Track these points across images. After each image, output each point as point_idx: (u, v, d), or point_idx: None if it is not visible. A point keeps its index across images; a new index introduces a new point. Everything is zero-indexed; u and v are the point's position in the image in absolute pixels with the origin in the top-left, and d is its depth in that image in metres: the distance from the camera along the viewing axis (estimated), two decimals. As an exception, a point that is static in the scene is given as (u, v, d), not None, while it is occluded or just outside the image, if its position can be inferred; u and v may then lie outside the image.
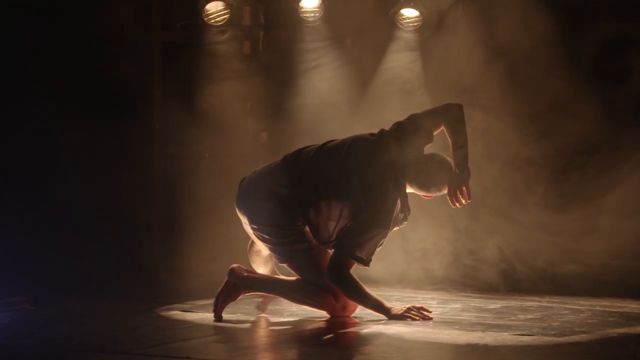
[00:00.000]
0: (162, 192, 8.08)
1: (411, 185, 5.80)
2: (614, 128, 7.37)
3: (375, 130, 5.89)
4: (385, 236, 5.72)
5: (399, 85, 7.85)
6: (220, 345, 5.30)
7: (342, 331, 5.57)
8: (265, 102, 8.14)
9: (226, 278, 5.87)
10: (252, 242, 6.10)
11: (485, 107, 7.44)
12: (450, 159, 5.77)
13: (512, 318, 5.84)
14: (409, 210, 5.83)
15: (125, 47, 7.80)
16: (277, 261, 5.97)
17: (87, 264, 7.13)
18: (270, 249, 5.89)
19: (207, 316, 5.89)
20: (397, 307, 5.78)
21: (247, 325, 5.77)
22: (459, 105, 5.81)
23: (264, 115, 8.20)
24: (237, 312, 6.02)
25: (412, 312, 5.76)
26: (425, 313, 5.78)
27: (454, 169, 5.74)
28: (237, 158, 8.00)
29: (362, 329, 5.53)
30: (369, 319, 5.74)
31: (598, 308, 6.26)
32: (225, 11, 7.87)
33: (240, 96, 8.08)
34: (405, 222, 5.86)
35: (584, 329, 5.46)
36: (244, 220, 5.95)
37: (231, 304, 5.89)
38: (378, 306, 5.76)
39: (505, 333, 5.32)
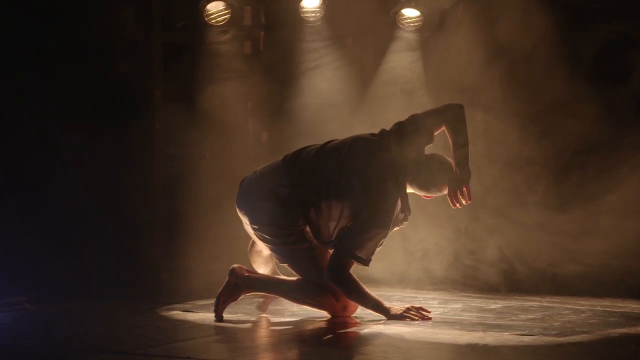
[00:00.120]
0: (162, 192, 8.08)
1: (411, 186, 5.80)
2: (614, 128, 7.37)
3: (376, 130, 5.89)
4: (385, 236, 5.72)
5: (399, 85, 7.85)
6: (221, 345, 5.30)
7: (342, 331, 5.57)
8: (266, 102, 8.15)
9: (227, 278, 5.87)
10: (253, 242, 6.10)
11: (486, 107, 7.45)
12: (450, 159, 5.77)
13: (513, 318, 5.84)
14: (409, 211, 5.83)
15: (125, 47, 7.80)
16: (277, 261, 5.97)
17: (88, 264, 7.13)
18: (271, 249, 5.89)
19: (208, 316, 5.89)
20: (396, 307, 5.78)
21: (248, 325, 5.77)
22: (459, 106, 5.82)
23: (264, 115, 8.20)
24: (238, 312, 6.02)
25: (411, 312, 5.76)
26: (424, 313, 5.78)
27: (454, 169, 5.74)
28: (238, 158, 8.00)
29: (363, 329, 5.53)
30: (369, 319, 5.74)
31: (599, 308, 6.26)
32: (226, 11, 7.87)
33: (241, 96, 8.09)
34: (405, 222, 5.86)
35: (584, 329, 5.46)
36: (245, 221, 5.95)
37: (232, 304, 5.89)
38: (377, 306, 5.76)
39: (506, 333, 5.32)
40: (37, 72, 7.25)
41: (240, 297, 5.90)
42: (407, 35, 7.86)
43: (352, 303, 5.79)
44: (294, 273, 5.89)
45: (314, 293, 5.80)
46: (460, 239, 7.50)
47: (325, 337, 5.44)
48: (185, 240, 7.66)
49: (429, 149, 5.86)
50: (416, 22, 7.80)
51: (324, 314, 5.85)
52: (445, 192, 5.78)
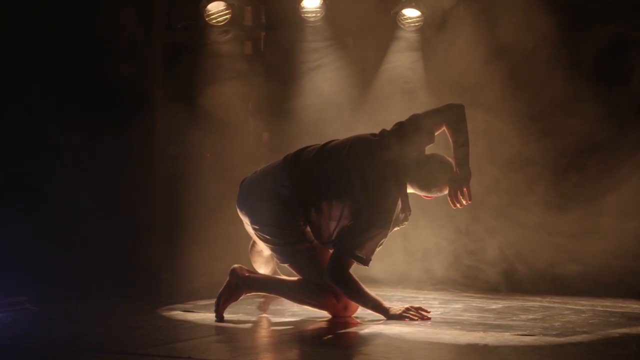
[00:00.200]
0: (163, 192, 8.08)
1: (412, 186, 5.80)
2: (614, 128, 7.37)
3: (377, 130, 5.90)
4: (385, 236, 5.72)
5: (400, 85, 7.85)
6: (221, 346, 5.30)
7: (343, 331, 5.57)
8: (267, 102, 8.15)
9: (228, 278, 5.87)
10: (254, 242, 6.10)
11: (487, 107, 7.44)
12: (451, 159, 5.77)
13: (514, 318, 5.84)
14: (410, 211, 5.83)
15: (126, 48, 7.80)
16: (278, 261, 5.97)
17: (89, 264, 7.13)
18: (272, 249, 5.89)
19: (209, 316, 5.89)
20: (396, 307, 5.78)
21: (249, 325, 5.77)
22: (460, 106, 5.82)
23: (265, 116, 8.21)
24: (238, 312, 6.02)
25: (411, 312, 5.76)
26: (424, 313, 5.78)
27: (454, 169, 5.74)
28: (239, 158, 8.00)
29: (364, 329, 5.53)
30: (370, 319, 5.74)
31: (599, 308, 6.26)
32: (227, 11, 7.87)
33: (242, 96, 8.09)
34: (406, 222, 5.86)
35: (585, 329, 5.46)
36: (245, 221, 5.95)
37: (233, 304, 5.89)
38: (377, 306, 5.76)
39: (506, 333, 5.32)
40: (37, 72, 7.25)
41: (241, 297, 5.90)
42: (407, 35, 7.86)
43: (352, 303, 5.79)
44: (295, 273, 5.89)
45: (314, 293, 5.80)
46: (461, 239, 7.50)
47: (326, 337, 5.44)
48: (185, 240, 7.66)
49: (429, 149, 5.86)
50: (417, 22, 7.80)
51: (325, 314, 5.85)
52: (446, 192, 5.78)
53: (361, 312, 5.83)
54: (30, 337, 5.39)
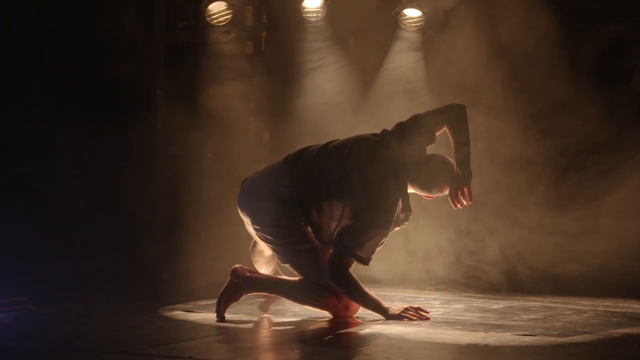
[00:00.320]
0: (164, 193, 8.08)
1: (412, 186, 5.80)
2: (616, 128, 7.37)
3: (378, 131, 5.90)
4: (386, 236, 5.72)
5: (402, 85, 7.85)
6: (222, 346, 5.30)
7: (344, 331, 5.57)
8: (268, 102, 8.15)
9: (229, 278, 5.87)
10: (255, 242, 6.10)
11: (487, 107, 7.44)
12: (452, 160, 5.77)
13: (515, 318, 5.84)
14: (410, 211, 5.83)
15: (127, 48, 7.80)
16: (279, 261, 5.97)
17: (89, 264, 7.13)
18: (273, 250, 5.89)
19: (210, 316, 5.89)
20: (395, 307, 5.78)
21: (250, 325, 5.77)
22: (461, 106, 5.82)
23: (266, 116, 8.21)
24: (239, 313, 6.02)
25: (410, 312, 5.76)
26: (423, 313, 5.78)
27: (455, 170, 5.74)
28: (240, 158, 8.00)
29: (365, 329, 5.53)
30: (371, 319, 5.74)
31: (601, 308, 6.26)
32: (228, 11, 7.87)
33: (243, 96, 8.09)
34: (406, 223, 5.86)
35: (586, 329, 5.46)
36: (247, 221, 5.95)
37: (234, 304, 5.89)
38: (376, 306, 5.76)
39: (507, 333, 5.32)
40: (38, 73, 7.25)
41: (242, 298, 5.90)
42: (409, 36, 7.86)
43: (353, 303, 5.79)
44: (296, 273, 5.89)
45: (315, 293, 5.80)
46: (462, 239, 7.50)
47: (327, 337, 5.44)
48: (186, 240, 7.66)
49: (430, 149, 5.86)
50: (418, 22, 7.80)
51: (326, 314, 5.85)
52: (447, 192, 5.78)
53: (362, 312, 5.83)
54: (31, 337, 5.39)
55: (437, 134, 5.84)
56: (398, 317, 5.72)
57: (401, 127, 5.83)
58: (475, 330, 5.42)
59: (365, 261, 5.71)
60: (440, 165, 5.78)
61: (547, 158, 7.54)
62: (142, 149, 7.95)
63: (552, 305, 6.42)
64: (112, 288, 6.98)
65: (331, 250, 5.79)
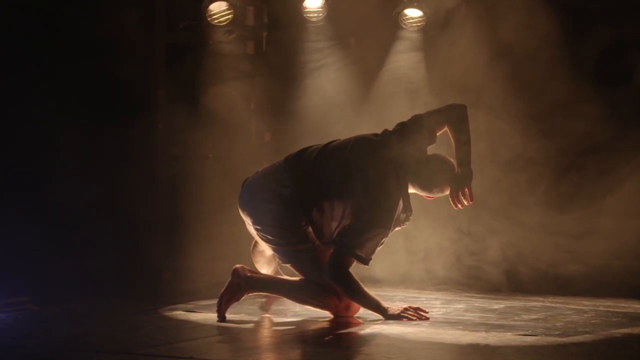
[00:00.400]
0: (165, 193, 8.08)
1: (413, 186, 5.80)
2: (617, 129, 7.37)
3: (380, 131, 5.90)
4: (386, 236, 5.72)
5: (403, 85, 7.85)
6: (223, 346, 5.30)
7: (345, 331, 5.57)
8: (269, 102, 8.15)
9: (229, 278, 5.87)
10: (256, 242, 6.10)
11: (488, 107, 7.44)
12: (453, 160, 5.77)
13: (516, 318, 5.84)
14: (411, 211, 5.83)
15: (128, 48, 7.80)
16: (280, 261, 5.97)
17: (90, 264, 7.13)
18: (274, 250, 5.89)
19: (211, 316, 5.89)
20: (394, 307, 5.78)
21: (251, 325, 5.77)
22: (462, 105, 5.82)
23: (267, 116, 8.20)
24: (240, 313, 6.02)
25: (409, 312, 5.76)
26: (422, 313, 5.78)
27: (456, 170, 5.74)
28: (241, 158, 8.00)
29: (365, 330, 5.53)
30: (371, 319, 5.74)
31: (602, 308, 6.26)
32: (229, 11, 7.87)
33: (244, 96, 8.09)
34: (407, 223, 5.86)
35: (587, 329, 5.46)
36: (247, 221, 5.95)
37: (235, 304, 5.89)
38: (375, 306, 5.76)
39: (508, 333, 5.32)
40: (39, 72, 7.25)
41: (243, 298, 5.90)
42: (410, 36, 7.86)
43: (354, 303, 5.79)
44: (297, 273, 5.89)
45: (316, 293, 5.80)
46: (463, 239, 7.50)
47: (327, 338, 5.44)
48: (187, 240, 7.66)
49: (431, 150, 5.86)
50: (419, 23, 7.80)
51: (327, 314, 5.85)
52: (447, 192, 5.78)
53: (363, 312, 5.83)
54: (32, 337, 5.39)
55: (438, 134, 5.84)
56: (397, 317, 5.73)
57: (402, 127, 5.84)
58: (476, 330, 5.42)
59: (366, 261, 5.71)
60: (441, 165, 5.78)
61: (548, 158, 7.54)
62: (142, 149, 7.95)
63: (553, 305, 6.42)
64: (112, 288, 6.98)
65: (332, 250, 5.79)
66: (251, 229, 5.95)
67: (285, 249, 5.83)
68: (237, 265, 5.91)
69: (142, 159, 7.95)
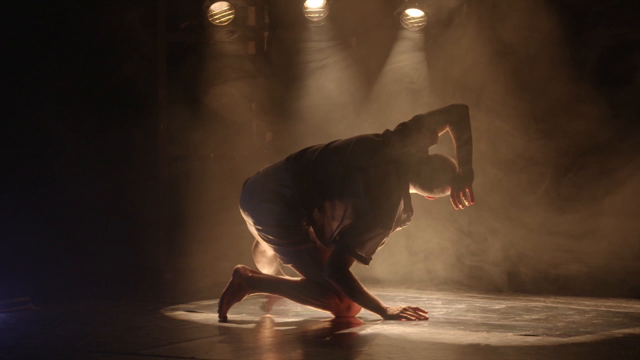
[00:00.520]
0: (167, 193, 8.08)
1: (414, 186, 5.80)
2: (617, 129, 7.37)
3: (381, 131, 5.90)
4: (387, 236, 5.72)
5: (404, 85, 7.85)
6: (225, 346, 5.30)
7: (346, 331, 5.57)
8: (270, 102, 8.15)
9: (231, 278, 5.87)
10: (257, 242, 6.10)
11: (490, 108, 7.45)
12: (454, 160, 5.77)
13: (517, 318, 5.84)
14: (412, 211, 5.83)
15: (130, 48, 7.80)
16: (281, 262, 5.97)
17: (92, 264, 7.13)
18: (275, 250, 5.89)
19: (212, 316, 5.89)
20: (393, 307, 5.79)
21: (252, 325, 5.78)
22: (463, 106, 5.82)
23: (268, 116, 8.21)
24: (241, 313, 6.02)
25: (408, 312, 5.76)
26: (421, 313, 5.78)
27: (457, 170, 5.75)
28: (242, 158, 8.01)
29: (366, 330, 5.53)
30: (372, 319, 5.75)
31: (603, 308, 6.26)
32: (230, 11, 7.87)
33: (245, 96, 8.09)
34: (408, 223, 5.86)
35: (588, 330, 5.46)
36: (249, 221, 5.95)
37: (236, 304, 5.90)
38: (375, 306, 5.76)
39: (510, 333, 5.32)
40: (41, 72, 7.25)
41: (244, 298, 5.90)
42: (411, 36, 7.87)
43: (355, 304, 5.79)
44: (298, 273, 5.89)
45: (317, 293, 5.80)
46: (464, 239, 7.50)
47: (328, 338, 5.44)
48: (189, 240, 7.67)
49: (433, 150, 5.86)
50: (420, 23, 7.81)
51: (328, 315, 5.85)
52: (448, 193, 5.78)
53: (364, 312, 5.83)
54: (34, 337, 5.39)
55: (439, 134, 5.84)
56: (397, 317, 5.73)
57: (403, 127, 5.84)
58: (478, 331, 5.42)
59: (366, 261, 5.71)
60: (442, 165, 5.77)
61: (549, 158, 7.54)
62: (144, 149, 7.95)
63: (554, 305, 6.42)
64: (114, 288, 6.99)
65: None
66: (252, 229, 5.95)
67: (287, 249, 5.83)
68: (239, 266, 5.91)
69: (143, 159, 7.95)
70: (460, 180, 5.73)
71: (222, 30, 7.94)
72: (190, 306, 6.32)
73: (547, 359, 4.80)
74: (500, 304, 6.43)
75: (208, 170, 8.00)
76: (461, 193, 5.73)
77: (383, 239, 5.72)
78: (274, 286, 5.94)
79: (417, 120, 5.82)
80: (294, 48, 8.08)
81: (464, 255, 7.45)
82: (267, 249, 6.02)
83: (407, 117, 5.86)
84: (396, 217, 5.72)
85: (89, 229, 7.33)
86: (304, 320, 5.87)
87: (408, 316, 5.74)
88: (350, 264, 5.71)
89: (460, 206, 5.77)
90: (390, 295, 6.71)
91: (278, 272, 6.19)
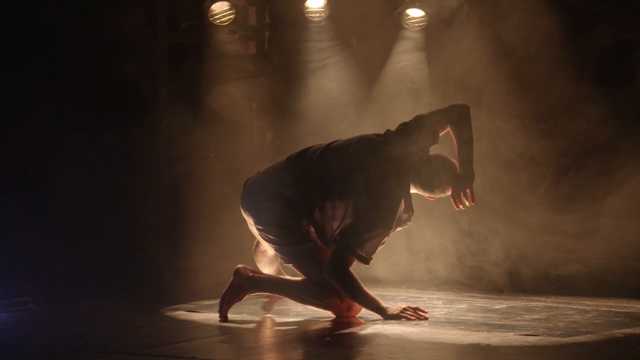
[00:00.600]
0: (167, 193, 8.08)
1: (415, 186, 5.80)
2: (618, 129, 7.37)
3: (382, 131, 5.90)
4: (387, 235, 5.72)
5: (406, 85, 7.85)
6: (225, 346, 5.30)
7: (347, 331, 5.57)
8: (271, 102, 8.15)
9: (231, 278, 5.87)
10: (258, 242, 6.10)
11: (491, 107, 7.45)
12: (455, 160, 5.77)
13: (518, 318, 5.84)
14: (413, 211, 5.83)
15: (131, 48, 7.80)
16: (282, 261, 5.97)
17: (93, 264, 7.13)
18: (276, 250, 5.89)
19: (213, 316, 5.89)
20: (393, 307, 5.79)
21: (253, 325, 5.78)
22: (465, 106, 5.82)
23: (269, 116, 8.21)
24: (242, 313, 6.02)
25: (408, 312, 5.76)
26: (421, 313, 5.78)
27: (458, 171, 5.74)
28: (243, 158, 8.01)
29: (367, 330, 5.53)
30: (373, 319, 5.74)
31: (604, 308, 6.26)
32: (231, 11, 7.87)
33: (246, 96, 8.09)
34: (408, 223, 5.86)
35: (589, 329, 5.46)
36: (249, 221, 5.95)
37: (237, 304, 5.90)
38: (374, 305, 5.76)
39: (510, 333, 5.32)
40: (42, 72, 7.25)
41: (245, 297, 5.90)
42: (412, 35, 7.87)
43: (356, 304, 5.79)
44: (299, 273, 5.90)
45: (318, 293, 5.80)
46: (464, 239, 7.50)
47: (329, 338, 5.44)
48: (189, 240, 7.67)
49: (434, 150, 5.86)
50: (421, 22, 7.81)
51: (329, 314, 5.85)
52: (449, 193, 5.77)
53: (364, 312, 5.83)
54: (34, 337, 5.39)
55: (440, 134, 5.84)
56: (396, 317, 5.73)
57: (404, 127, 5.84)
58: (478, 330, 5.42)
59: (366, 260, 5.71)
60: (443, 165, 5.77)
61: (550, 158, 7.55)
62: (145, 149, 7.95)
63: (555, 305, 6.42)
64: (115, 288, 6.99)
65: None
66: (253, 229, 5.95)
67: (287, 249, 5.83)
68: (239, 265, 5.91)
69: (144, 158, 7.95)
70: (461, 180, 5.73)
71: (222, 30, 7.93)
72: (190, 306, 6.32)
73: (548, 359, 4.80)
74: (501, 304, 6.43)
75: (209, 170, 8.00)
76: (462, 193, 5.73)
77: (384, 238, 5.72)
78: (274, 286, 5.94)
79: (418, 120, 5.82)
80: (294, 48, 8.08)
81: (465, 255, 7.45)
82: (267, 249, 6.02)
83: (408, 117, 5.86)
84: (397, 217, 5.72)
85: (89, 229, 7.33)
86: (305, 320, 5.87)
87: (408, 316, 5.74)
88: (350, 264, 5.71)
89: (461, 206, 5.77)
90: (391, 295, 6.71)
91: (279, 272, 6.19)
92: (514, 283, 7.19)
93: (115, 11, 7.63)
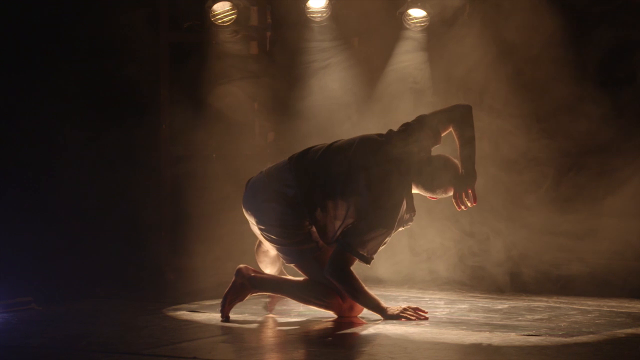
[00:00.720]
0: (169, 193, 8.07)
1: (417, 186, 5.81)
2: (619, 129, 7.37)
3: (384, 131, 5.90)
4: (389, 235, 5.73)
5: (408, 85, 7.85)
6: (227, 346, 5.30)
7: (349, 331, 5.57)
8: (273, 102, 8.15)
9: (233, 278, 5.88)
10: (260, 242, 6.10)
11: (492, 108, 7.45)
12: (457, 161, 5.76)
13: (520, 318, 5.84)
14: (414, 211, 5.83)
15: (133, 48, 7.79)
16: (284, 261, 5.97)
17: (94, 264, 7.13)
18: (278, 250, 5.89)
19: (215, 316, 5.90)
20: (393, 307, 5.78)
21: (255, 325, 5.78)
22: (467, 106, 5.82)
23: (271, 116, 8.20)
24: (244, 313, 6.02)
25: (408, 312, 5.77)
26: (421, 313, 5.78)
27: (460, 171, 5.74)
28: (245, 158, 8.01)
29: (369, 330, 5.53)
30: (374, 319, 5.74)
31: (605, 308, 6.26)
32: (232, 11, 7.87)
33: (248, 96, 8.09)
34: (410, 223, 5.86)
35: (591, 330, 5.46)
36: (251, 221, 5.95)
37: (238, 304, 5.90)
38: (375, 305, 5.77)
39: (512, 333, 5.32)
40: (43, 72, 7.25)
41: (247, 297, 5.90)
42: (413, 36, 7.86)
43: (358, 304, 5.79)
44: (301, 273, 5.90)
45: (320, 293, 5.80)
46: (466, 239, 7.50)
47: (331, 338, 5.45)
48: (191, 240, 7.66)
49: (436, 150, 5.86)
50: (422, 23, 7.80)
51: (331, 314, 5.85)
52: (451, 193, 5.77)
53: (366, 312, 5.83)
54: (36, 337, 5.39)
55: (442, 134, 5.84)
56: (396, 317, 5.73)
57: (406, 127, 5.84)
58: (480, 330, 5.42)
59: (368, 260, 5.71)
60: (444, 165, 5.77)
61: (551, 158, 7.54)
62: (146, 149, 7.94)
63: (557, 305, 6.43)
64: (116, 288, 6.99)
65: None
66: (255, 228, 5.95)
67: (289, 249, 5.83)
68: (241, 265, 5.91)
69: (145, 158, 7.94)
70: (462, 180, 5.73)
71: (224, 30, 7.93)
72: (192, 306, 6.32)
73: (549, 359, 4.80)
74: (502, 304, 6.43)
75: (210, 170, 8.00)
76: (464, 194, 5.73)
77: (385, 238, 5.72)
78: (276, 286, 5.94)
79: (420, 120, 5.83)
80: (296, 48, 8.07)
81: (467, 255, 7.46)
82: (269, 249, 6.02)
83: (410, 117, 5.87)
84: (398, 217, 5.72)
85: (91, 229, 7.32)
86: (307, 320, 5.87)
87: (408, 316, 5.74)
88: (351, 263, 5.72)
89: (462, 207, 5.76)
90: (392, 295, 6.71)
91: (281, 272, 6.19)
92: (516, 283, 7.19)
93: (116, 11, 7.62)
